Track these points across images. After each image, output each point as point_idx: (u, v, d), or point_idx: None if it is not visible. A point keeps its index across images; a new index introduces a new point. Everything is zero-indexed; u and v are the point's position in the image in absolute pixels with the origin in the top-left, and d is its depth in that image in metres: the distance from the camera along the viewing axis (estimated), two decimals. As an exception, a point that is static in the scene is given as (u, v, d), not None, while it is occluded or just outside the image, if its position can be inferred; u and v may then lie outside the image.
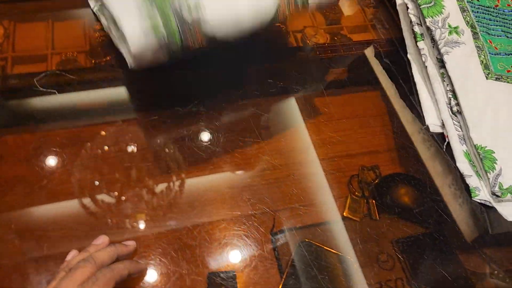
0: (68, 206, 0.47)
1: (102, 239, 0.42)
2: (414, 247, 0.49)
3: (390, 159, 0.56)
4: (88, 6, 0.59)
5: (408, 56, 0.52)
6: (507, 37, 0.49)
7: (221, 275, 0.45)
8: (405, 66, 0.55)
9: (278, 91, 0.58)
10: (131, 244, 0.44)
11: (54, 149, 0.49)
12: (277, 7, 0.50)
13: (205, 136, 0.53)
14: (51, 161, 0.49)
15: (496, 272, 0.47)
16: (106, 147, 0.50)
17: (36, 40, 0.58)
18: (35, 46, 0.57)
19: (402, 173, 0.54)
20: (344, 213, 0.51)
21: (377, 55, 0.60)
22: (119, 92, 0.56)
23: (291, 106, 0.59)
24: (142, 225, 0.47)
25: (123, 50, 0.48)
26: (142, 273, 0.43)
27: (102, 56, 0.54)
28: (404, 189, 0.53)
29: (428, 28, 0.48)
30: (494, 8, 0.50)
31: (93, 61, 0.54)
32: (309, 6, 0.52)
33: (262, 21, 0.50)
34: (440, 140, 0.47)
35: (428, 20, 0.48)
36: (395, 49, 0.58)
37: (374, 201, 0.52)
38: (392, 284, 0.47)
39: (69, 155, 0.49)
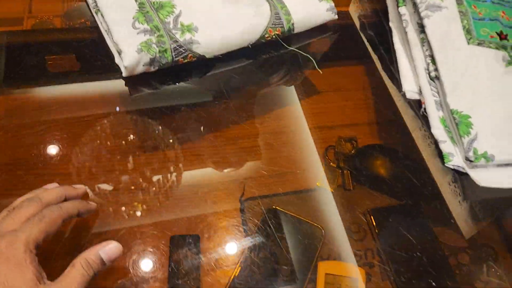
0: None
1: (53, 185, 0.41)
2: (387, 217, 0.48)
3: (370, 131, 0.55)
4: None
5: (390, 24, 0.50)
6: (493, 2, 0.47)
7: (185, 238, 0.44)
8: (388, 37, 0.54)
9: (260, 62, 0.57)
10: (80, 187, 0.42)
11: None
12: (264, 30, 0.52)
13: (181, 101, 0.53)
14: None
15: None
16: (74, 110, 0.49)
17: (14, 4, 0.57)
18: (12, 9, 0.57)
19: (378, 144, 0.53)
20: (318, 183, 0.50)
21: (362, 27, 0.59)
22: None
23: (273, 77, 0.58)
24: (108, 187, 0.46)
25: (116, 55, 0.49)
26: (92, 213, 0.42)
27: (77, 19, 0.53)
28: (379, 161, 0.52)
29: None
30: None
31: (69, 23, 0.53)
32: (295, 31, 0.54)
33: (249, 41, 0.52)
34: (417, 107, 0.45)
35: None
36: (379, 20, 0.57)
37: (348, 171, 0.50)
38: (362, 254, 0.46)
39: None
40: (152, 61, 0.46)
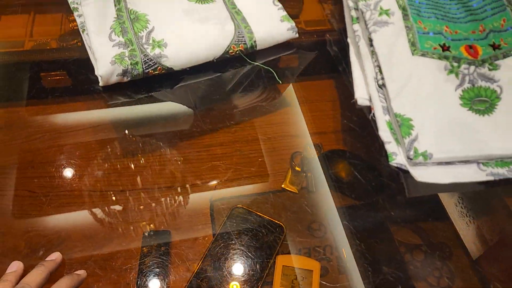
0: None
1: (17, 265, 0.42)
2: (347, 217, 0.51)
3: (335, 139, 0.59)
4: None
5: (348, 40, 0.55)
6: (437, 18, 0.51)
7: (157, 233, 0.48)
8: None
9: (228, 75, 0.62)
10: (56, 256, 0.44)
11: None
12: (228, 46, 0.57)
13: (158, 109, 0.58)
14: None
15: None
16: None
17: (17, 29, 0.64)
18: (15, 34, 0.64)
19: (340, 150, 0.57)
20: (283, 185, 0.54)
21: (328, 44, 0.64)
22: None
23: (241, 89, 0.62)
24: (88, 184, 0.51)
25: (93, 62, 0.56)
26: (84, 279, 0.43)
27: (70, 40, 0.60)
28: (341, 164, 0.55)
29: (362, 11, 0.51)
30: None
31: (62, 45, 0.60)
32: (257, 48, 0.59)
33: (214, 56, 0.58)
34: (368, 113, 0.49)
35: (361, 3, 0.52)
36: (342, 37, 0.62)
37: (311, 174, 0.54)
38: (321, 250, 0.49)
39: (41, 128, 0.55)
40: (124, 72, 0.52)
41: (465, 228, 0.52)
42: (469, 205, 0.53)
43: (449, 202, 0.54)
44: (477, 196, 0.54)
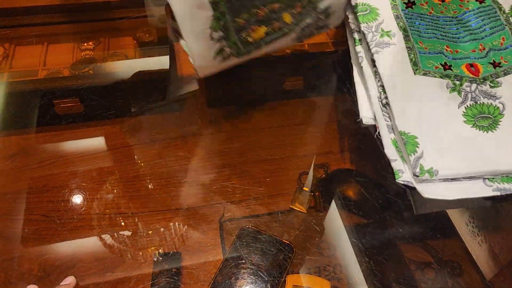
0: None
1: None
2: (356, 235, 0.52)
3: (342, 158, 0.60)
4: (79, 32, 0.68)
5: (351, 61, 0.57)
6: (437, 38, 0.53)
7: (167, 255, 0.49)
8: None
9: (241, 98, 0.64)
10: (70, 280, 0.45)
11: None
12: None
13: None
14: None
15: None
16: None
17: (31, 59, 0.67)
18: (29, 64, 0.66)
19: (346, 169, 0.57)
20: (291, 205, 0.54)
21: (332, 65, 0.65)
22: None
23: (253, 112, 0.64)
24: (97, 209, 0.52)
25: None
26: None
27: (82, 68, 0.62)
28: (348, 184, 0.56)
29: (364, 33, 0.53)
30: (427, 15, 0.55)
31: (74, 72, 0.62)
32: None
33: None
34: (373, 132, 0.50)
35: (362, 26, 0.53)
36: (345, 59, 0.63)
37: (319, 194, 0.55)
38: (330, 268, 0.49)
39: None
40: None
41: (478, 248, 0.52)
42: (480, 224, 0.53)
43: (460, 222, 0.54)
44: (488, 215, 0.54)
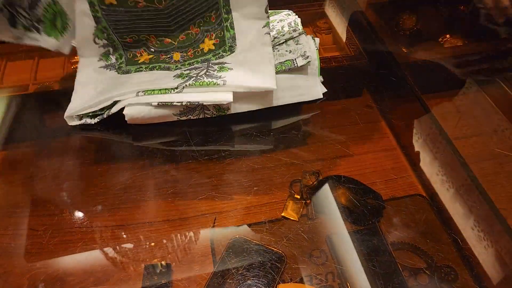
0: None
1: None
2: (348, 243, 0.51)
3: (333, 165, 0.59)
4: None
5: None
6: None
7: (158, 267, 0.48)
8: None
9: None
10: None
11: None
12: None
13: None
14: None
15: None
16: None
17: (22, 74, 0.67)
18: (20, 79, 0.67)
19: (337, 175, 0.57)
20: (283, 213, 0.54)
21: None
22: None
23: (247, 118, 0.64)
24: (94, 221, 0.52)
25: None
26: None
27: (72, 82, 0.62)
28: (339, 190, 0.56)
29: None
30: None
31: (64, 86, 0.62)
32: None
33: None
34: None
35: None
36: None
37: (310, 201, 0.54)
38: (322, 277, 0.49)
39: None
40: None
41: (484, 252, 0.51)
42: (486, 228, 0.53)
43: (465, 227, 0.53)
44: (493, 218, 0.54)
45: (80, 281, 0.47)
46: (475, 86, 0.71)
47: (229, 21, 0.60)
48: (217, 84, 0.56)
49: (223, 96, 0.56)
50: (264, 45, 0.61)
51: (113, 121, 0.58)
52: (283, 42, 0.65)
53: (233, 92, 0.57)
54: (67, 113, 0.57)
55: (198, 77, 0.57)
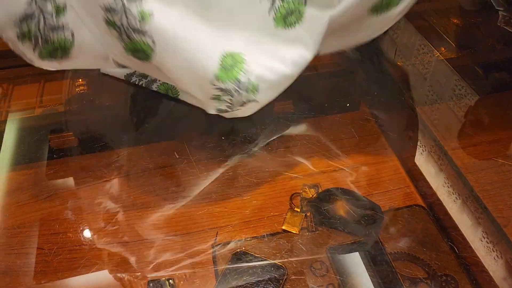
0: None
1: None
2: (348, 254, 0.52)
3: (333, 177, 0.60)
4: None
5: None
6: None
7: (161, 281, 0.49)
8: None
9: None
10: None
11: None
12: None
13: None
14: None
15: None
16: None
17: (29, 98, 0.70)
18: (27, 103, 0.69)
19: (336, 188, 0.58)
20: (283, 226, 0.55)
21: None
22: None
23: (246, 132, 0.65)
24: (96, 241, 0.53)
25: None
26: None
27: (76, 104, 0.64)
28: (338, 202, 0.56)
29: None
30: None
31: (69, 108, 0.65)
32: None
33: None
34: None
35: None
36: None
37: (311, 214, 0.55)
38: (323, 289, 0.49)
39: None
40: None
41: (494, 263, 0.51)
42: (495, 239, 0.53)
43: (474, 238, 0.54)
44: (500, 229, 0.54)
45: (85, 298, 0.48)
46: (475, 96, 0.72)
47: None
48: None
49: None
50: None
51: (114, 138, 0.60)
52: None
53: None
54: None
55: None
